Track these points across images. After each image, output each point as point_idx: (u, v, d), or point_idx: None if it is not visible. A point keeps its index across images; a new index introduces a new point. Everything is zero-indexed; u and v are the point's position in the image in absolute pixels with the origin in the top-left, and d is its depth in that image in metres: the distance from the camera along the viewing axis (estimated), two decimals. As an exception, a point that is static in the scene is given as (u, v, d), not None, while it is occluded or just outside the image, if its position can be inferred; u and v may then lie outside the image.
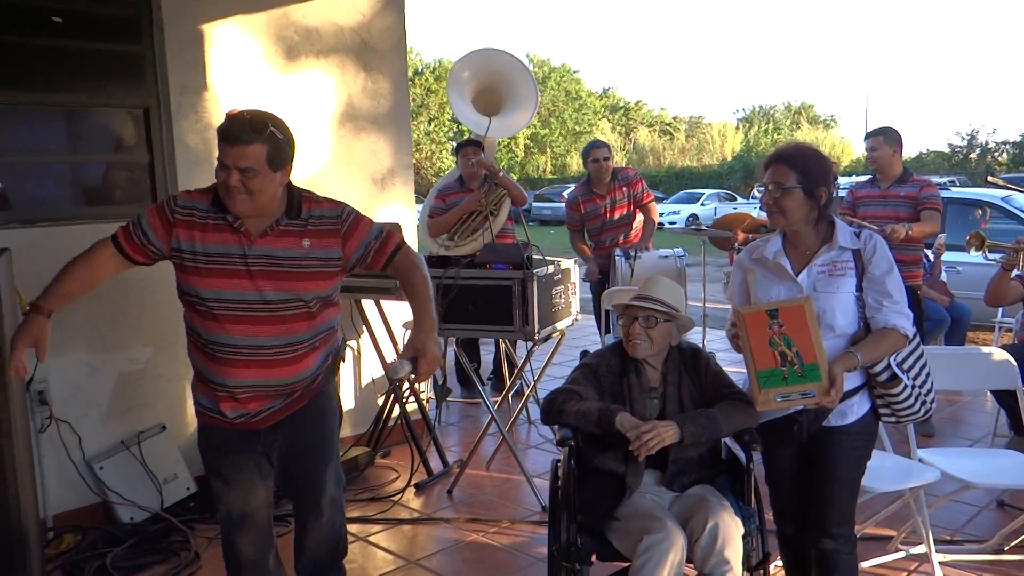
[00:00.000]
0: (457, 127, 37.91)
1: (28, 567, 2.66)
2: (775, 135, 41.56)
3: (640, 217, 5.49)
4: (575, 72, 45.58)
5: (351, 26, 4.48)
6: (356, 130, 4.57)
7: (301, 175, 4.49)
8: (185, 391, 3.97)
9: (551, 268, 3.84)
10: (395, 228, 2.50)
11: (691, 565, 2.28)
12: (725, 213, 5.83)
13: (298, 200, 2.27)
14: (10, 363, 2.08)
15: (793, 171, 2.28)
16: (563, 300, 3.95)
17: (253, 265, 2.19)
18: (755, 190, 5.64)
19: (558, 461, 2.61)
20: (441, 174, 33.35)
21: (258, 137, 2.08)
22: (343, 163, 4.51)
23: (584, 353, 2.74)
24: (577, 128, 42.86)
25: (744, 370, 2.31)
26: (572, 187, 28.19)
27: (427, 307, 2.29)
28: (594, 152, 5.44)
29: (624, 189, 5.42)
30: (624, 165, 5.83)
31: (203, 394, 2.34)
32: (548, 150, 42.36)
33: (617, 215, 5.42)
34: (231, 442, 2.35)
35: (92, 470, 3.63)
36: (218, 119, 3.98)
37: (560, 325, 3.94)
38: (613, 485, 2.40)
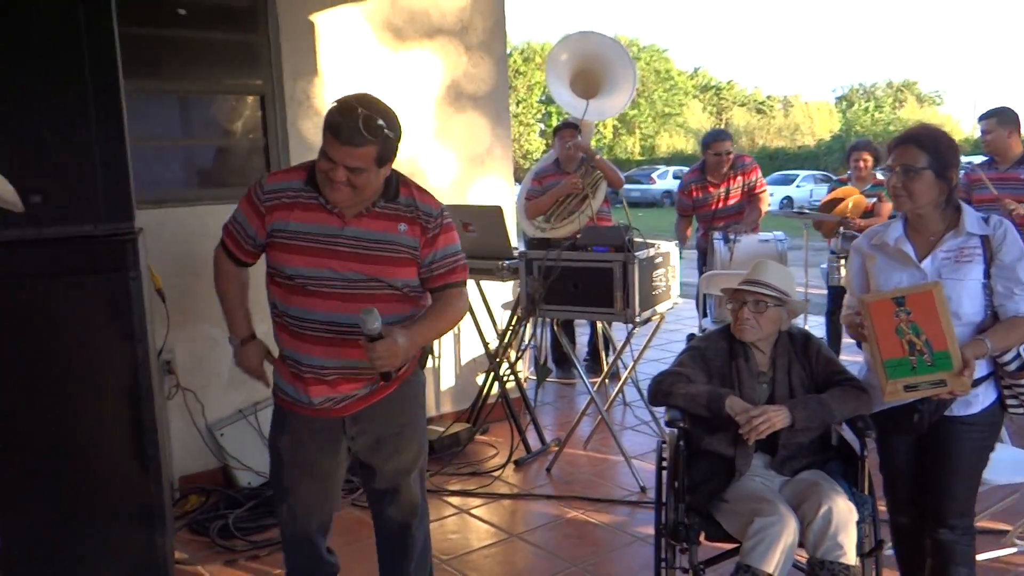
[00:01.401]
0: (545, 108, 37.88)
1: (164, 524, 2.86)
2: (875, 113, 39.87)
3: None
4: (664, 51, 44.86)
5: (453, 9, 4.56)
6: (456, 110, 4.65)
7: (403, 153, 4.60)
8: (297, 365, 4.17)
9: (652, 251, 3.84)
10: (466, 266, 2.35)
11: (802, 549, 2.29)
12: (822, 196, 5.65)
13: (395, 183, 2.21)
14: (261, 380, 2.38)
15: (924, 152, 2.22)
16: (663, 283, 3.95)
17: (343, 245, 2.15)
18: (878, 172, 5.45)
19: (663, 442, 2.64)
20: (528, 156, 33.51)
21: (371, 140, 2.01)
22: (443, 142, 4.61)
23: (691, 336, 2.75)
24: (667, 109, 42.22)
25: (852, 358, 2.28)
26: (661, 168, 27.69)
27: (430, 328, 2.25)
28: (716, 145, 5.30)
29: (739, 178, 5.33)
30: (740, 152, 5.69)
31: (287, 380, 2.29)
32: (637, 131, 41.85)
33: (730, 203, 5.34)
34: (309, 432, 2.30)
35: (214, 436, 3.86)
36: (328, 103, 4.15)
37: (660, 308, 3.94)
38: (721, 467, 2.42)
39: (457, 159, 4.67)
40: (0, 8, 2.49)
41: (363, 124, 1.99)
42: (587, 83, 5.45)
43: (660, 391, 2.50)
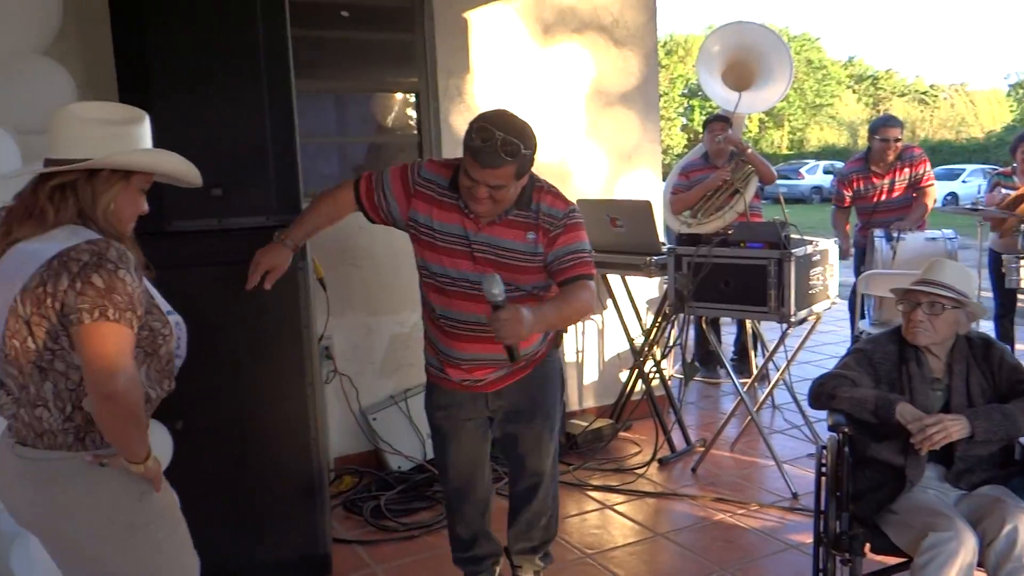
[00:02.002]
0: (687, 102, 37.08)
1: (324, 502, 3.02)
2: (1056, 102, 36.51)
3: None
4: (816, 40, 42.82)
5: (604, 4, 4.53)
6: (605, 105, 4.62)
7: (552, 149, 4.66)
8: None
9: (810, 248, 3.68)
10: (591, 262, 2.36)
11: (981, 569, 2.12)
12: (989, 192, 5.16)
13: (529, 191, 2.28)
14: (248, 279, 2.39)
15: None
16: (821, 282, 3.77)
17: (476, 250, 2.27)
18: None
19: (824, 447, 2.52)
20: (670, 151, 32.90)
21: (510, 160, 2.10)
22: (591, 137, 4.59)
23: (856, 338, 2.62)
24: (818, 100, 40.29)
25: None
26: (811, 163, 26.54)
27: (556, 311, 2.22)
28: (884, 131, 4.97)
29: (906, 170, 4.98)
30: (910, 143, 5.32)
31: (433, 356, 2.51)
32: (785, 124, 40.21)
33: (895, 196, 5.01)
34: (457, 403, 2.49)
35: (367, 420, 4.03)
36: (479, 100, 4.26)
37: (817, 308, 3.77)
38: (890, 476, 2.29)
39: (605, 154, 4.64)
40: (188, 15, 2.69)
41: (502, 147, 2.08)
42: (740, 75, 5.30)
43: (823, 393, 2.39)
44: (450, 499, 2.68)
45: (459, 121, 4.20)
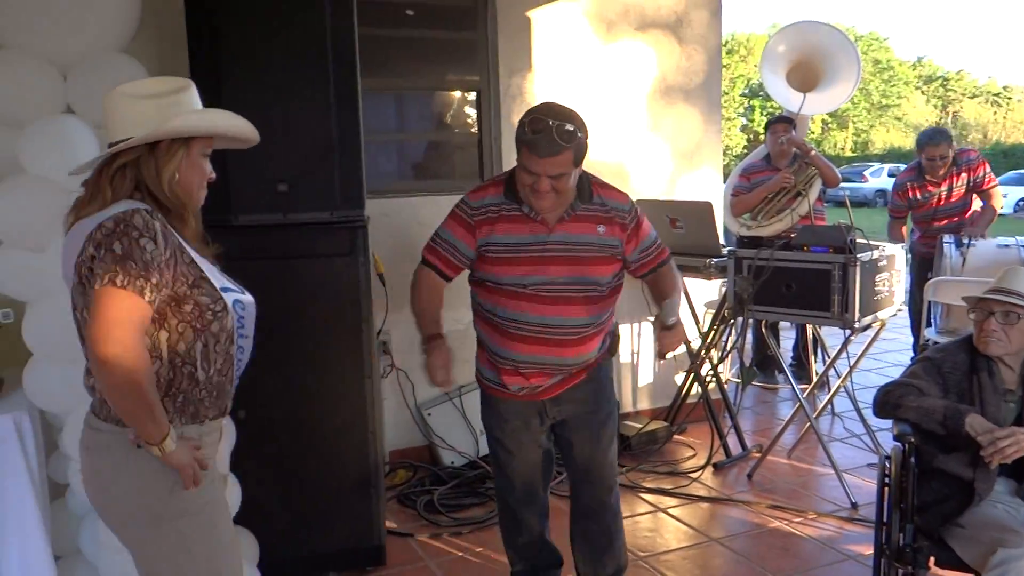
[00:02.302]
0: (748, 102, 36.50)
1: (380, 494, 3.06)
2: None
3: (978, 203, 4.90)
4: (884, 40, 41.72)
5: (667, 2, 4.49)
6: (667, 104, 4.58)
7: (613, 147, 4.64)
8: (500, 353, 4.30)
9: (875, 253, 3.59)
10: (665, 247, 2.53)
11: (1052, 589, 2.05)
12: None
13: (588, 184, 2.30)
14: (440, 383, 2.41)
15: None
16: (886, 288, 3.68)
17: (551, 251, 2.26)
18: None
19: (888, 457, 2.46)
20: (729, 151, 32.42)
21: (567, 146, 2.10)
22: (653, 136, 4.56)
23: (924, 346, 2.55)
24: (884, 101, 39.24)
25: None
26: (875, 166, 25.88)
27: (675, 296, 2.38)
28: (930, 149, 4.76)
29: (963, 175, 4.80)
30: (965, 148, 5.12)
31: (487, 367, 2.47)
32: (850, 125, 39.26)
33: (953, 201, 4.87)
34: (514, 413, 2.46)
35: (422, 415, 4.07)
36: (540, 99, 4.24)
37: (882, 315, 3.67)
38: (957, 489, 2.22)
39: (667, 154, 4.61)
40: (260, 12, 2.76)
41: (557, 134, 2.09)
42: (805, 76, 5.19)
43: (888, 402, 2.33)
44: (510, 508, 2.61)
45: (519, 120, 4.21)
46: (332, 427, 2.97)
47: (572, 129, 2.11)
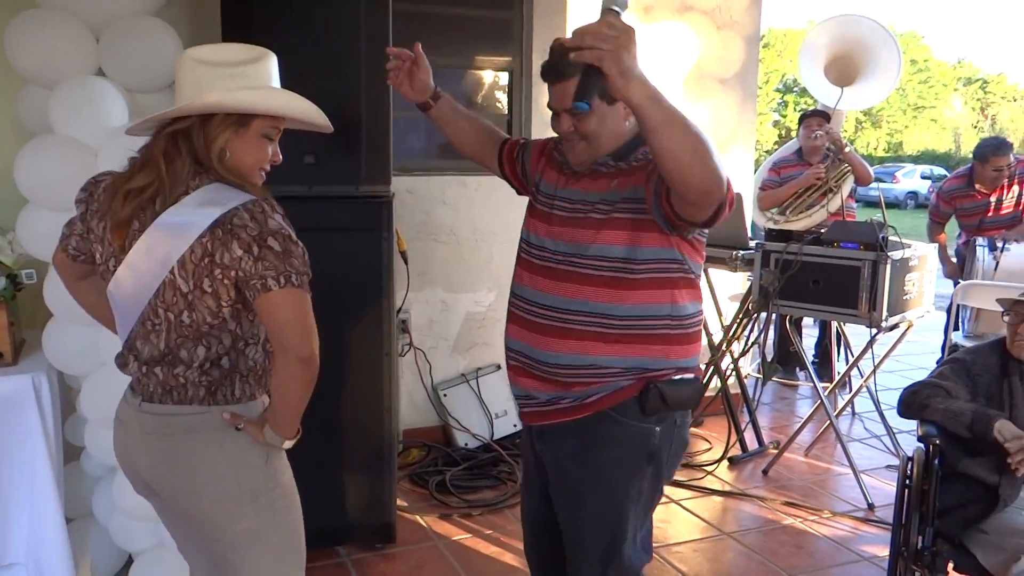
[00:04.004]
0: (781, 97, 36.04)
1: (392, 471, 3.05)
2: None
3: None
4: (922, 38, 40.98)
5: (707, -13, 4.42)
6: (702, 90, 4.51)
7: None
8: (520, 336, 4.28)
9: (907, 252, 3.52)
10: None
11: (1075, 601, 2.01)
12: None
13: (635, 143, 1.75)
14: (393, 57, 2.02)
15: None
16: (916, 288, 3.61)
17: (556, 209, 1.81)
18: None
19: (910, 458, 2.41)
20: (760, 145, 32.05)
21: (575, 73, 1.48)
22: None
23: (954, 347, 2.49)
24: (920, 102, 38.57)
25: None
26: (907, 167, 25.39)
27: (680, 115, 1.47)
28: (996, 160, 4.61)
29: (1015, 187, 4.68)
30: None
31: None
32: (883, 125, 38.68)
33: (1002, 214, 4.74)
34: (524, 439, 2.01)
35: (438, 395, 4.06)
36: (571, 81, 4.21)
37: (910, 315, 3.60)
38: (981, 494, 2.18)
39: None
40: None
41: (561, 55, 1.66)
42: (844, 70, 5.09)
43: (915, 403, 2.28)
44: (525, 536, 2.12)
45: (550, 102, 4.16)
46: (348, 403, 2.96)
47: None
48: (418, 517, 3.37)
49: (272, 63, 1.63)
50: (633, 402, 1.72)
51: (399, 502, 3.28)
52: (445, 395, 4.07)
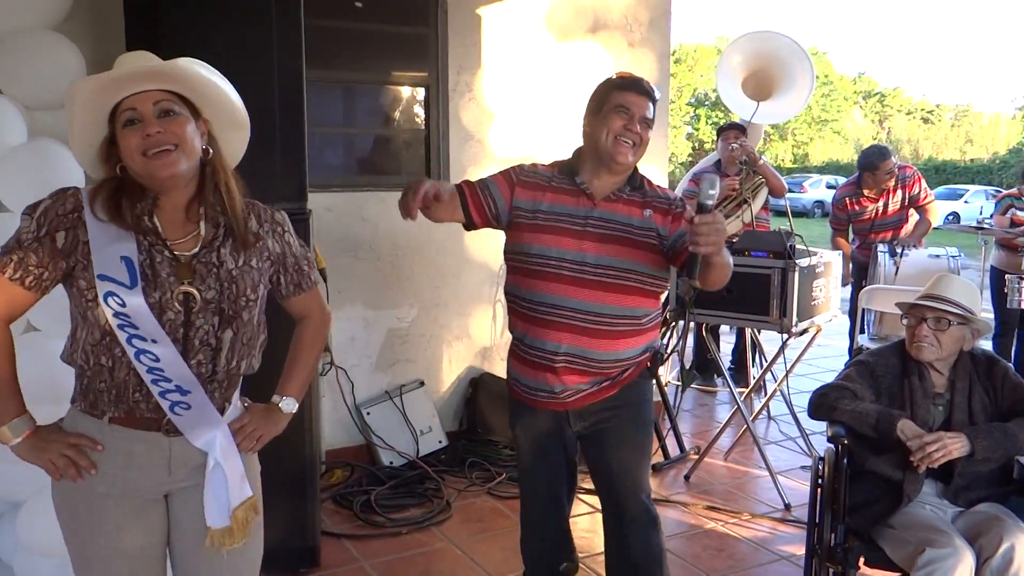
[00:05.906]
0: (694, 111, 37.07)
1: (314, 493, 2.99)
2: (1062, 127, 36.56)
3: (915, 217, 5.09)
4: (824, 54, 42.81)
5: (619, 5, 4.52)
6: (615, 110, 4.60)
7: (562, 148, 4.59)
8: (443, 351, 4.26)
9: (814, 259, 3.66)
10: None
11: (976, 588, 2.11)
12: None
13: (639, 177, 2.30)
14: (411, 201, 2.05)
15: None
16: (823, 294, 3.76)
17: (590, 227, 2.18)
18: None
19: (821, 458, 2.50)
20: (675, 158, 32.86)
21: (654, 100, 2.22)
22: (601, 143, 4.57)
23: (859, 350, 2.60)
24: (823, 115, 40.28)
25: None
26: (814, 177, 26.44)
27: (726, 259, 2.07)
28: (885, 164, 4.96)
29: (900, 191, 5.02)
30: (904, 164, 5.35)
31: (519, 370, 2.33)
32: (790, 137, 40.21)
33: (889, 216, 5.06)
34: (539, 422, 2.34)
35: (361, 414, 4.00)
36: (488, 97, 4.23)
37: (818, 320, 3.75)
38: (887, 490, 2.27)
39: (611, 156, 4.63)
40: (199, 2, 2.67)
41: (646, 85, 2.23)
42: (759, 85, 5.28)
43: (824, 405, 2.37)
44: (531, 517, 2.52)
45: (467, 117, 4.18)
46: (267, 424, 2.88)
47: (654, 89, 2.24)
48: (344, 539, 3.31)
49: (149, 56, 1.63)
50: (645, 370, 2.34)
51: (323, 525, 3.22)
52: (368, 413, 4.02)
